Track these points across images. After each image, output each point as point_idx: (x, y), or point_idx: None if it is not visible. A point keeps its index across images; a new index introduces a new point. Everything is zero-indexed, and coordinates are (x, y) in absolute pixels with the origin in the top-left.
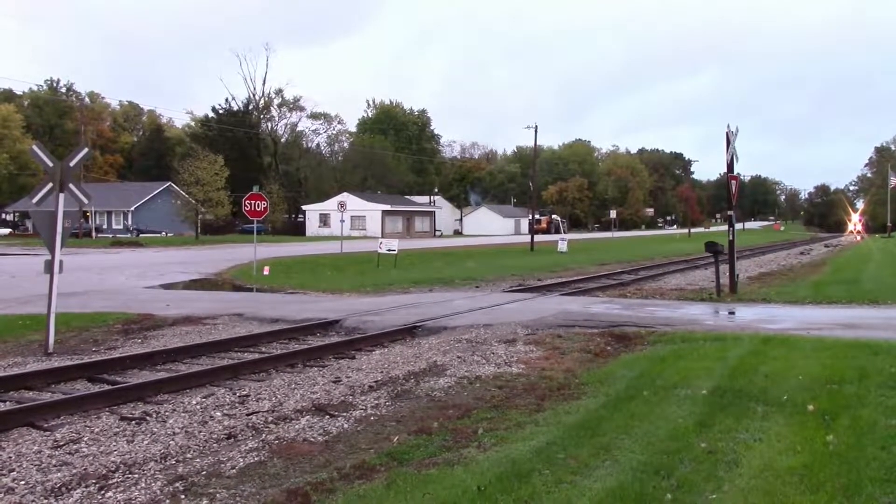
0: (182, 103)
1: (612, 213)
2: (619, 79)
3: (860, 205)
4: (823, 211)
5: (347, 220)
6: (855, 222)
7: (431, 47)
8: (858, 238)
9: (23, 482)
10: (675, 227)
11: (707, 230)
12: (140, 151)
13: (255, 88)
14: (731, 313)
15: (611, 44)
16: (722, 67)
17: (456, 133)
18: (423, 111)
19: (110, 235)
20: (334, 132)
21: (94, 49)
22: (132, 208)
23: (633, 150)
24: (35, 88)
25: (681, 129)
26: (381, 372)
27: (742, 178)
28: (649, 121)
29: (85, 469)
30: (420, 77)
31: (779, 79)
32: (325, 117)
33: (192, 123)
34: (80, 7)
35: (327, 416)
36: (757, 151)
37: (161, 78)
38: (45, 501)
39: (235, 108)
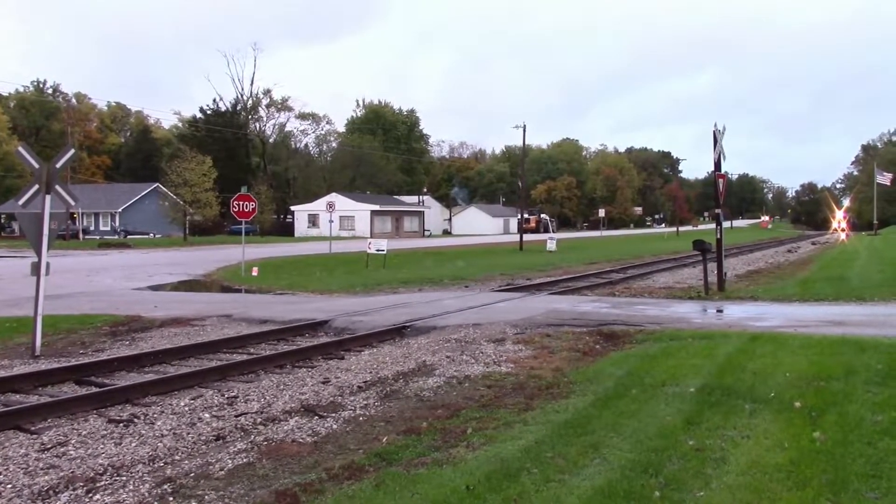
0: (169, 104)
1: (601, 212)
2: (618, 78)
3: (847, 203)
4: (810, 209)
5: (336, 220)
6: (839, 219)
7: (428, 48)
8: (843, 236)
9: (9, 485)
10: (663, 225)
11: (695, 228)
12: (127, 152)
13: (242, 89)
14: (720, 311)
15: (610, 43)
16: (721, 67)
17: (450, 133)
18: (412, 111)
19: (97, 237)
20: (322, 132)
21: (82, 50)
22: (120, 210)
23: (632, 148)
24: (21, 89)
25: (678, 128)
26: (371, 372)
27: (730, 176)
28: (647, 120)
29: (72, 472)
30: (415, 77)
31: (776, 78)
32: (314, 117)
33: (180, 124)
34: (70, 7)
35: (316, 417)
36: (751, 150)
37: (149, 78)
38: None
39: (223, 108)
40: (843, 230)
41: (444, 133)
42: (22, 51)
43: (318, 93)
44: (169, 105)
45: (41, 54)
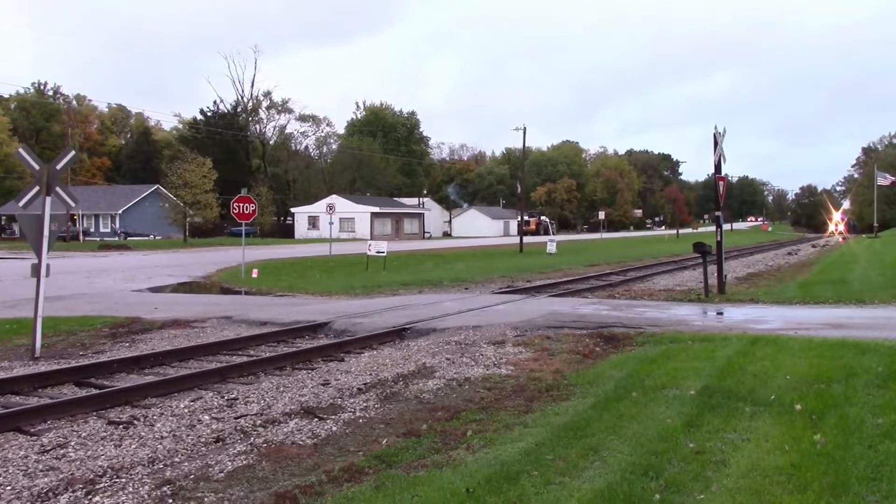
0: (173, 106)
1: (601, 215)
2: (628, 80)
3: (846, 205)
4: (810, 211)
5: (336, 222)
6: (836, 221)
7: (438, 51)
8: (841, 239)
9: (9, 487)
10: (663, 227)
11: (695, 231)
12: (128, 154)
13: (243, 91)
14: (720, 314)
15: (622, 45)
16: (732, 70)
17: (457, 135)
18: (413, 113)
19: (98, 239)
20: (322, 134)
21: (85, 51)
22: (120, 211)
23: (632, 151)
24: (22, 91)
25: (685, 130)
26: (370, 374)
27: (730, 178)
28: (654, 122)
29: (72, 474)
30: (424, 80)
31: (786, 81)
32: (314, 119)
33: (180, 126)
34: (69, 8)
35: (316, 419)
36: (756, 153)
37: (153, 80)
38: None
39: (224, 110)
40: (839, 233)
41: (451, 136)
42: (22, 51)
43: (328, 95)
44: (172, 107)
45: (42, 56)
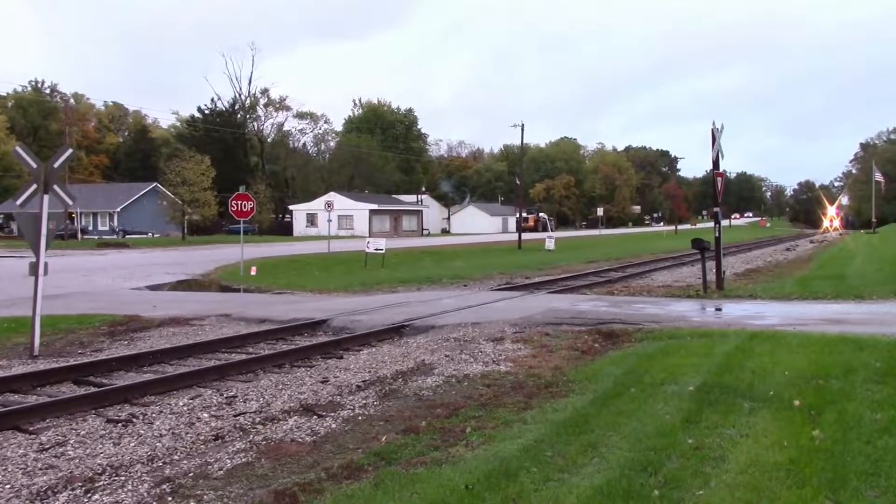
0: (168, 103)
1: (600, 211)
2: (631, 78)
3: (843, 200)
4: (809, 207)
5: (335, 219)
6: (831, 217)
7: (435, 49)
8: (837, 235)
9: (8, 486)
10: (662, 224)
11: (694, 227)
12: (126, 152)
13: (240, 88)
14: (718, 310)
15: (629, 42)
16: (738, 68)
17: (456, 132)
18: (411, 110)
19: (96, 237)
20: (321, 132)
21: (81, 49)
22: (118, 209)
23: (630, 147)
24: (19, 89)
25: (691, 126)
26: (369, 371)
27: (728, 174)
28: (659, 118)
29: (71, 472)
30: (429, 78)
31: (788, 78)
32: (312, 117)
33: (178, 124)
34: (67, 6)
35: (315, 417)
36: (761, 149)
37: (154, 78)
38: None
39: (221, 108)
40: (834, 228)
41: (455, 132)
42: (19, 50)
43: (333, 92)
44: (170, 104)
45: (40, 54)
